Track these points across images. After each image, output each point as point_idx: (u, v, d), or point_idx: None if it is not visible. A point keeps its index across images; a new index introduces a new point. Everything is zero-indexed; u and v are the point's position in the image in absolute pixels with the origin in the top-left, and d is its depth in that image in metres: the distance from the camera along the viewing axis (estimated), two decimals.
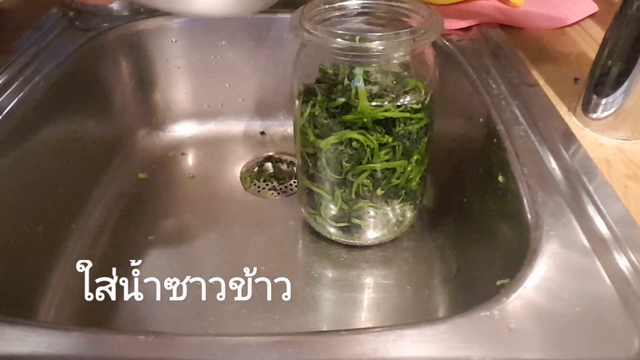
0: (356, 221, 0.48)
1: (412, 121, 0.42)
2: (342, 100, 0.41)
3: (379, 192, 0.45)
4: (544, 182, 0.38)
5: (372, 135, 0.42)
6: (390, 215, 0.49)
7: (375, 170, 0.44)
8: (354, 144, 0.43)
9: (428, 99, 0.43)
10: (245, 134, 0.69)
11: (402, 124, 0.42)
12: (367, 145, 0.42)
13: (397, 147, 0.43)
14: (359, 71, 0.41)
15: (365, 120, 0.41)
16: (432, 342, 0.29)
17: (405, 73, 0.43)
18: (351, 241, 0.50)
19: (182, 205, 0.60)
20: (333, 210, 0.48)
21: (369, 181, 0.45)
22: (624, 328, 0.29)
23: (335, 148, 0.43)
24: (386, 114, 0.41)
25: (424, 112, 0.43)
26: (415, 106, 0.42)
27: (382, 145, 0.43)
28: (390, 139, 0.43)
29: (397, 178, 0.45)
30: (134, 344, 0.29)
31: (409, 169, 0.45)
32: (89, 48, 0.58)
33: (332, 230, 0.50)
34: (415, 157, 0.45)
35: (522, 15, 0.60)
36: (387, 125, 0.42)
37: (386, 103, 0.41)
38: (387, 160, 0.44)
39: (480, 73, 0.51)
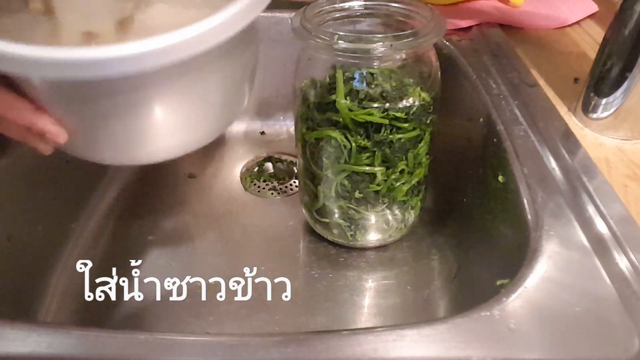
0: (356, 222, 0.48)
1: (399, 130, 0.42)
2: (332, 98, 0.41)
3: (357, 194, 0.45)
4: (544, 182, 0.38)
5: (352, 137, 0.42)
6: (390, 218, 0.49)
7: (355, 172, 0.44)
8: (333, 142, 0.43)
9: (415, 109, 0.41)
10: (245, 134, 0.69)
11: (387, 131, 0.42)
12: (344, 146, 0.42)
13: (376, 153, 0.43)
14: (340, 71, 0.41)
15: (341, 119, 0.41)
16: (432, 342, 0.29)
17: (407, 79, 0.42)
18: (351, 243, 0.50)
19: (182, 205, 0.59)
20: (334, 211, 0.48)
21: (347, 182, 0.45)
22: (624, 328, 0.29)
23: (317, 143, 0.43)
24: (368, 117, 0.41)
25: (413, 123, 0.42)
26: (399, 114, 0.41)
27: (363, 149, 0.42)
28: (369, 144, 0.42)
29: (377, 184, 0.44)
30: (134, 344, 0.29)
31: (393, 177, 0.44)
32: None
33: (332, 230, 0.50)
34: (400, 167, 0.44)
35: (522, 15, 0.60)
36: (373, 129, 0.42)
37: (374, 106, 0.41)
38: (368, 165, 0.43)
39: (480, 73, 0.51)
